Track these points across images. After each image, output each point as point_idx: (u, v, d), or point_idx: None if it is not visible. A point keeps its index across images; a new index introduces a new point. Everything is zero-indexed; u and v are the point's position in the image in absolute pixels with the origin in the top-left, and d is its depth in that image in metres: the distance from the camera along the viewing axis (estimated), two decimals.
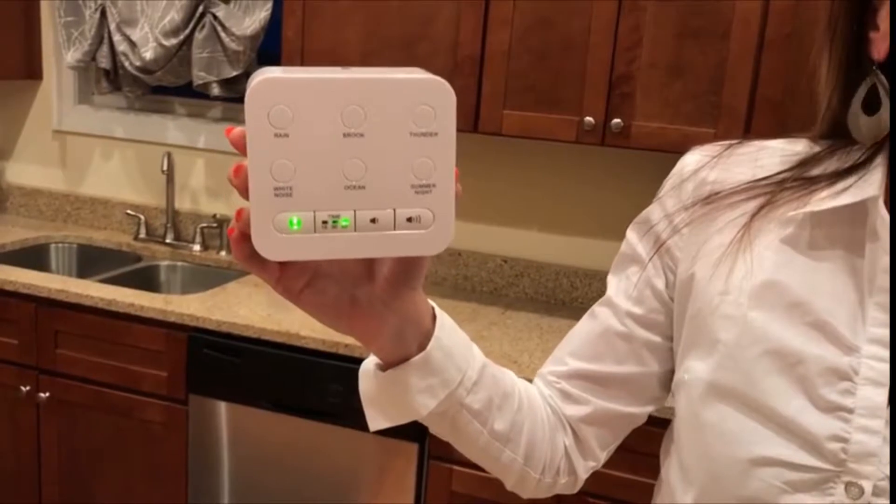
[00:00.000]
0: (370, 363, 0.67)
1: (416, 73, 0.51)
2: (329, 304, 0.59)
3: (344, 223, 0.51)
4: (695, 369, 0.71)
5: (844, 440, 0.62)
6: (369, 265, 0.59)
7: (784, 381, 0.64)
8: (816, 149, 0.70)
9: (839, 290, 0.65)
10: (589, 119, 2.02)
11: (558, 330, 2.27)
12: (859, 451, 0.62)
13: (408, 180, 0.51)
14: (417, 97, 0.50)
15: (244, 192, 0.52)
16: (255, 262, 0.53)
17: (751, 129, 1.93)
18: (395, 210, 0.51)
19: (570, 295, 2.50)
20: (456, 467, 2.03)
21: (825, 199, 0.66)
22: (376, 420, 0.68)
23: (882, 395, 0.62)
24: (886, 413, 0.61)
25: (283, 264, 0.54)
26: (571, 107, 2.05)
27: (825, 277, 0.65)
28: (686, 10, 1.93)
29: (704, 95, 1.95)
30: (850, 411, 0.62)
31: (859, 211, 0.65)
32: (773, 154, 0.72)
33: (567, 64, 2.04)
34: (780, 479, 0.64)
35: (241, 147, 0.51)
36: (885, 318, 0.62)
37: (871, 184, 0.64)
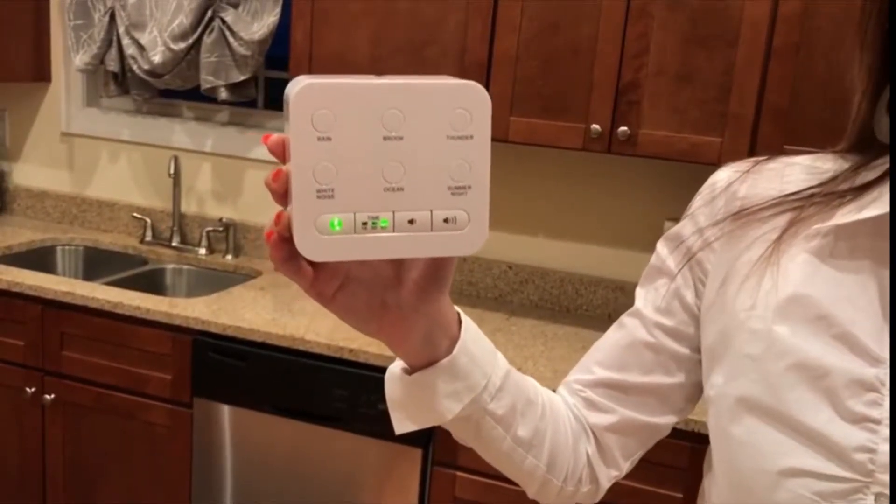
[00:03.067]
0: (396, 367, 0.68)
1: (451, 79, 0.53)
2: (360, 307, 0.60)
3: (383, 224, 0.52)
4: (721, 384, 0.72)
5: (872, 451, 0.62)
6: (399, 269, 0.60)
7: (810, 393, 0.65)
8: (845, 164, 0.70)
9: (864, 302, 0.65)
10: (596, 126, 2.03)
11: (563, 337, 2.27)
12: (886, 461, 0.62)
13: (444, 182, 0.52)
14: (455, 101, 0.52)
15: (281, 197, 0.53)
16: (290, 265, 0.54)
17: (757, 137, 1.94)
18: (431, 211, 0.53)
19: (575, 302, 2.50)
20: (459, 473, 2.03)
21: (850, 213, 0.66)
22: (402, 423, 0.68)
23: None
24: None
25: (316, 269, 0.56)
26: (578, 114, 2.05)
27: (851, 290, 0.66)
28: (694, 18, 1.93)
29: (711, 103, 1.95)
30: (878, 422, 0.63)
31: (884, 223, 0.65)
32: (801, 170, 0.73)
33: (574, 71, 2.04)
34: (809, 489, 0.64)
35: (279, 154, 0.53)
36: None
37: (886, 199, 0.64)
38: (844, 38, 1.85)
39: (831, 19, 1.85)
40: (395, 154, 0.51)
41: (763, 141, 1.92)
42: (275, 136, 0.53)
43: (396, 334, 0.63)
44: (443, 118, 0.52)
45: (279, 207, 0.54)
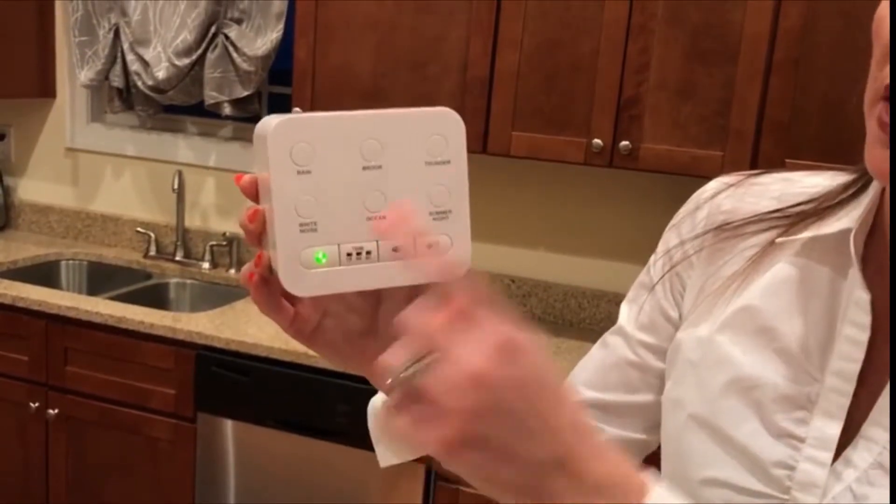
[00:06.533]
0: (378, 400, 0.68)
1: (425, 108, 0.53)
2: (339, 343, 0.59)
3: (368, 254, 0.52)
4: (667, 390, 0.72)
5: (791, 468, 0.62)
6: (376, 302, 0.60)
7: (739, 404, 0.65)
8: (837, 181, 0.68)
9: (814, 320, 0.64)
10: (597, 141, 2.03)
11: (566, 351, 2.27)
12: (804, 479, 0.61)
13: (425, 208, 0.52)
14: (430, 128, 0.52)
15: (256, 237, 0.52)
16: (272, 305, 0.54)
17: (759, 152, 1.94)
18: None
19: (578, 315, 2.50)
20: (463, 488, 2.02)
21: (817, 227, 0.66)
22: (385, 457, 0.69)
23: (835, 429, 0.61)
24: (835, 446, 0.61)
25: (295, 306, 0.56)
26: (580, 129, 2.06)
27: (803, 306, 0.65)
28: (694, 33, 1.94)
29: (712, 118, 1.96)
30: (801, 440, 0.62)
31: (847, 238, 0.64)
32: (791, 186, 0.71)
33: (576, 86, 2.05)
34: (726, 501, 0.64)
35: (251, 194, 0.52)
36: (852, 351, 0.62)
37: (855, 214, 0.64)
38: (845, 53, 1.85)
39: (831, 34, 1.86)
40: (375, 183, 0.51)
41: (764, 155, 1.93)
42: (247, 177, 0.52)
43: (377, 367, 0.63)
44: (419, 145, 0.52)
45: None
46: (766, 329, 0.65)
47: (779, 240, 0.67)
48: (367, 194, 0.51)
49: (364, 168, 0.51)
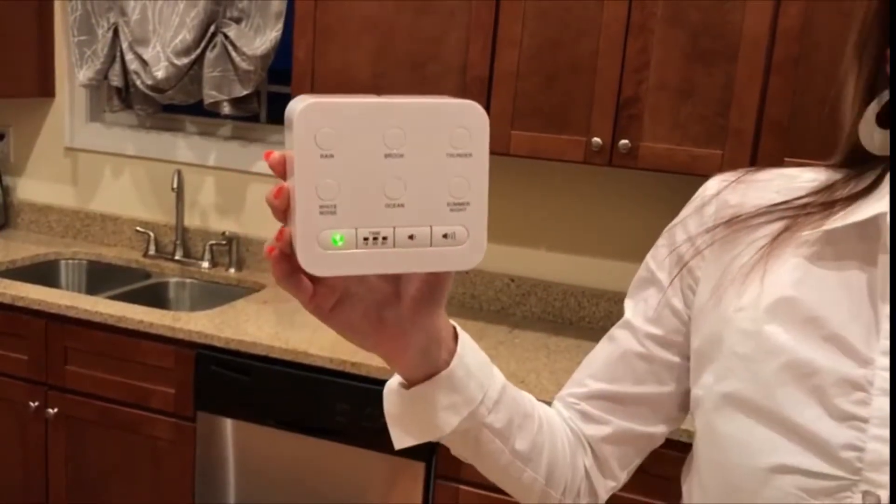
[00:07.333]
0: (394, 382, 0.69)
1: (451, 98, 0.54)
2: (357, 322, 0.61)
3: (384, 239, 0.53)
4: (711, 384, 0.72)
5: (860, 449, 0.63)
6: (396, 285, 0.61)
7: (799, 391, 0.66)
8: (836, 176, 0.71)
9: (854, 304, 0.66)
10: (597, 140, 2.04)
11: (566, 349, 2.28)
12: (875, 459, 0.63)
13: (444, 199, 0.54)
14: (454, 120, 0.53)
15: (282, 214, 0.54)
16: (291, 280, 0.55)
17: (758, 151, 1.94)
18: (431, 227, 0.54)
19: (578, 314, 2.51)
20: (462, 486, 2.03)
21: (840, 218, 0.68)
22: (401, 438, 0.69)
23: None
24: None
25: (315, 284, 0.57)
26: (580, 128, 2.06)
27: (840, 292, 0.67)
28: (694, 33, 1.95)
29: (712, 117, 1.96)
30: (865, 421, 0.63)
31: (872, 227, 0.66)
32: (791, 181, 0.74)
33: (575, 85, 2.06)
34: (797, 486, 0.65)
35: (279, 171, 0.54)
36: None
37: (881, 200, 0.66)
38: (843, 53, 1.86)
39: (830, 34, 1.86)
40: (396, 171, 0.52)
41: (764, 154, 1.93)
42: (276, 154, 0.54)
43: (394, 349, 0.64)
44: (442, 136, 0.53)
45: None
46: (811, 318, 0.67)
47: (805, 233, 0.69)
48: (387, 181, 0.52)
49: (386, 155, 0.52)
